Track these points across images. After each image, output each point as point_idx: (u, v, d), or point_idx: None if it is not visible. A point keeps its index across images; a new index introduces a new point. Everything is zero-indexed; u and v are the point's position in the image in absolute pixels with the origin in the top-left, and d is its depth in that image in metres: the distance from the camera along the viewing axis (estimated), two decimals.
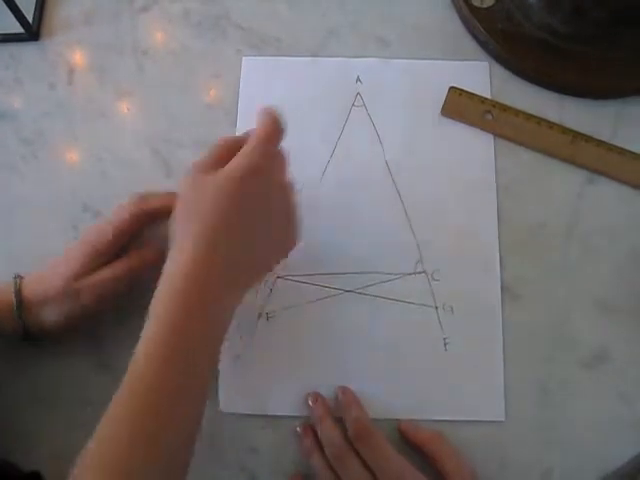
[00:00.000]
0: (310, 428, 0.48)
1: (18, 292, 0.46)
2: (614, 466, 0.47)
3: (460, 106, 0.56)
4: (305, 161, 0.55)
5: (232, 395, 0.49)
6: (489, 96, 0.56)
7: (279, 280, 0.52)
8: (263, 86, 0.58)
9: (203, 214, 0.40)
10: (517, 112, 0.55)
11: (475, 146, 0.55)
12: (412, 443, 0.47)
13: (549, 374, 0.49)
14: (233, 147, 0.43)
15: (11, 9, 0.56)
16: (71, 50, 0.60)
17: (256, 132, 0.43)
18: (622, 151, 0.54)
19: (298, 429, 0.48)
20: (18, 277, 0.47)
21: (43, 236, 0.53)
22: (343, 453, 0.45)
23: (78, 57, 0.60)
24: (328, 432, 0.47)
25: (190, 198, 0.41)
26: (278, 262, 0.46)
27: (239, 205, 0.41)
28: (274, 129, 0.43)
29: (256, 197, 0.41)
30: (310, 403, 0.49)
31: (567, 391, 0.49)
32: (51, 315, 0.46)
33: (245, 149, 0.42)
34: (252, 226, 0.42)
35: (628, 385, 0.49)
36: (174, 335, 0.37)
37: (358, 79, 0.57)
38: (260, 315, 0.51)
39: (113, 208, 0.51)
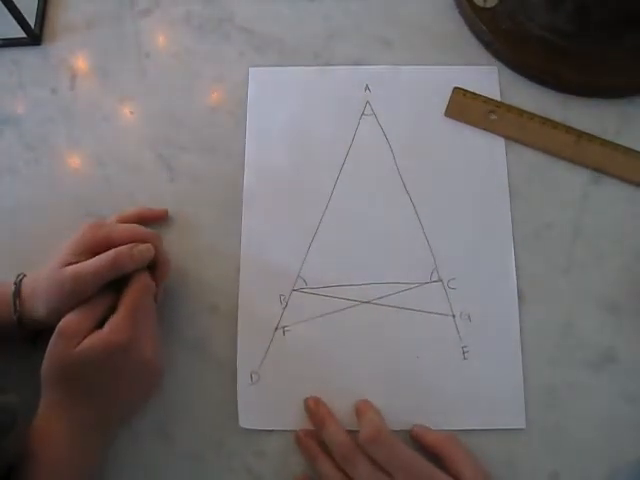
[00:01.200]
0: (311, 432, 0.48)
1: (18, 285, 0.47)
2: (621, 467, 0.47)
3: (464, 107, 0.56)
4: (316, 172, 0.55)
5: (251, 412, 0.49)
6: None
7: (294, 293, 0.52)
8: (271, 98, 0.57)
9: (56, 383, 0.45)
10: (521, 112, 0.55)
11: (487, 150, 0.55)
12: (424, 446, 0.47)
13: (555, 375, 0.49)
14: (102, 307, 0.46)
15: (13, 14, 0.56)
16: (73, 54, 0.60)
17: (125, 302, 0.46)
18: (627, 150, 0.54)
19: (299, 434, 0.48)
20: (22, 274, 0.48)
21: (46, 241, 0.53)
22: (352, 453, 0.45)
23: (80, 61, 0.60)
24: (334, 433, 0.46)
25: (53, 364, 0.45)
26: (139, 407, 0.49)
27: (86, 377, 0.44)
28: (142, 296, 0.46)
29: (108, 370, 0.45)
30: (310, 406, 0.49)
31: (573, 392, 0.49)
32: (40, 304, 0.46)
33: (113, 321, 0.45)
34: (101, 390, 0.45)
35: (636, 386, 0.49)
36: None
37: (367, 87, 0.57)
38: (276, 329, 0.51)
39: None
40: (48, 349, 0.44)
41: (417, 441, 0.48)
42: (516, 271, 0.51)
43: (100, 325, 0.45)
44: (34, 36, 0.59)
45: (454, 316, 0.51)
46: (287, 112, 0.57)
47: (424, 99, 0.57)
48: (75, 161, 0.56)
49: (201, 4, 0.61)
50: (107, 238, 0.47)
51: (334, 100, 0.57)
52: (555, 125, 0.55)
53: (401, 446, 0.45)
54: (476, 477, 0.44)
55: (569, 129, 0.54)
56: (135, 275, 0.47)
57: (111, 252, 0.45)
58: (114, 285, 0.46)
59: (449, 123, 0.56)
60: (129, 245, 0.46)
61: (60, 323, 0.44)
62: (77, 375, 0.44)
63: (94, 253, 0.46)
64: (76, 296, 0.45)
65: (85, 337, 0.44)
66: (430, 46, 0.58)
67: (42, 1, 0.61)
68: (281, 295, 0.52)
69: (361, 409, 0.48)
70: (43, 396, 0.45)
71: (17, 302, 0.47)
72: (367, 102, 0.56)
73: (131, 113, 0.58)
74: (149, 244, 0.47)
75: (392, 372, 0.50)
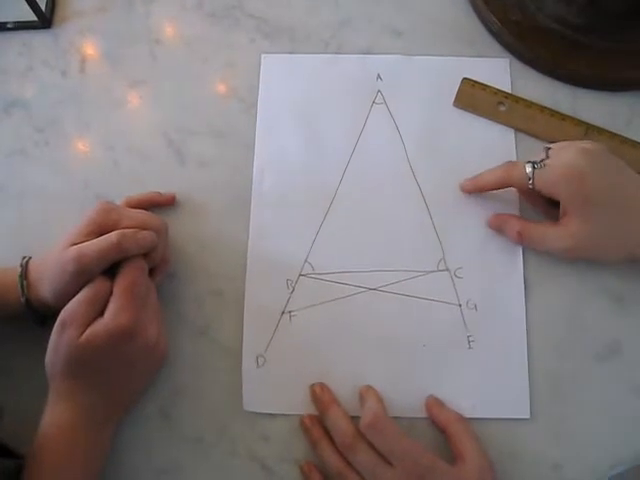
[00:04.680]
0: (316, 418, 0.48)
1: (24, 268, 0.47)
2: (626, 459, 0.47)
3: (473, 97, 0.56)
4: (326, 159, 0.55)
5: (255, 395, 0.49)
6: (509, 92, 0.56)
7: (302, 278, 0.52)
8: (283, 84, 0.57)
9: (63, 374, 0.45)
10: (530, 104, 0.55)
11: (496, 141, 0.55)
12: (434, 421, 0.48)
13: (560, 366, 0.49)
14: (102, 294, 0.45)
15: None
16: (83, 38, 0.60)
17: (121, 286, 0.45)
18: (635, 143, 0.54)
19: (304, 420, 0.48)
20: (27, 257, 0.48)
21: (55, 224, 0.53)
22: (353, 440, 0.45)
23: (90, 45, 0.60)
24: (336, 420, 0.47)
25: (58, 355, 0.44)
26: (144, 390, 0.49)
27: (93, 366, 0.44)
28: (137, 279, 0.46)
29: (114, 356, 0.45)
30: (316, 392, 0.49)
31: (578, 383, 0.49)
32: (46, 286, 0.46)
33: (112, 307, 0.44)
34: (108, 376, 0.46)
35: None
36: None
37: (378, 76, 0.57)
38: (282, 313, 0.51)
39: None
40: (52, 340, 0.44)
41: (429, 414, 0.48)
42: (523, 261, 0.51)
43: (102, 311, 0.45)
44: (45, 19, 0.59)
45: (460, 305, 0.51)
46: (298, 99, 0.57)
47: (436, 89, 0.57)
48: (84, 144, 0.57)
49: None
50: (118, 223, 0.47)
51: (345, 88, 0.57)
52: (564, 117, 0.55)
53: (400, 434, 0.45)
54: (480, 462, 0.44)
55: (578, 121, 0.55)
56: (128, 258, 0.46)
57: (114, 234, 0.45)
58: (110, 271, 0.46)
59: (459, 113, 0.56)
60: (132, 230, 0.46)
61: (62, 314, 0.44)
62: (84, 364, 0.44)
63: (101, 236, 0.46)
64: (80, 277, 0.45)
65: (88, 326, 0.44)
66: (440, 37, 0.58)
67: None
68: (288, 280, 0.52)
69: (363, 395, 0.48)
70: (51, 386, 0.45)
71: (24, 284, 0.47)
72: (378, 91, 0.57)
73: (141, 98, 0.58)
74: (151, 231, 0.47)
75: (397, 359, 0.50)
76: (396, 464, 0.44)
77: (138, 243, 0.46)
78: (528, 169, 0.48)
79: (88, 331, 0.43)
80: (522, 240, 0.50)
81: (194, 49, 0.59)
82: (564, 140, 0.53)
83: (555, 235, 0.48)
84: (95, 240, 0.45)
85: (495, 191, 0.52)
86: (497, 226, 0.52)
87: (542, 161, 0.48)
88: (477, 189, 0.52)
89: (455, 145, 0.55)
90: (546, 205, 0.50)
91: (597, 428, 0.48)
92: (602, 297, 0.51)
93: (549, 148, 0.48)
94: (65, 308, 0.44)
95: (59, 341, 0.44)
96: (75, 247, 0.45)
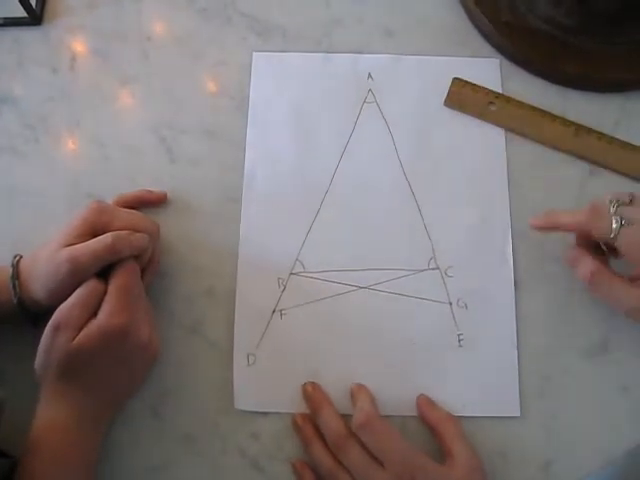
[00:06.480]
0: (308, 417, 0.48)
1: (16, 267, 0.47)
2: (614, 456, 0.48)
3: (463, 97, 0.56)
4: (317, 158, 0.55)
5: (246, 393, 0.49)
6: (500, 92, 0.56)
7: (292, 277, 0.52)
8: (274, 83, 0.57)
9: (56, 376, 0.44)
10: (520, 104, 0.56)
11: (486, 141, 0.55)
12: (425, 420, 0.48)
13: (550, 364, 0.50)
14: (96, 295, 0.45)
15: None
16: (74, 35, 0.59)
17: (114, 286, 0.45)
18: (623, 144, 0.54)
19: (296, 419, 0.48)
20: (18, 256, 0.48)
21: (45, 221, 0.53)
22: (344, 440, 0.45)
23: (81, 42, 0.59)
24: (328, 420, 0.47)
25: (51, 358, 0.44)
26: (137, 389, 0.49)
27: (86, 367, 0.44)
28: (131, 280, 0.46)
29: (107, 356, 0.44)
30: (308, 391, 0.49)
31: (568, 381, 0.49)
32: (38, 286, 0.46)
33: (106, 307, 0.44)
34: (101, 377, 0.45)
35: (630, 375, 0.49)
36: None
37: (369, 76, 0.57)
38: (273, 312, 0.51)
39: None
40: (43, 343, 0.44)
41: (419, 412, 0.48)
42: (513, 260, 0.52)
43: (95, 313, 0.44)
44: (35, 16, 0.59)
45: (451, 304, 0.51)
46: (289, 97, 0.57)
47: (427, 89, 0.57)
48: (75, 142, 0.56)
49: None
50: (109, 224, 0.47)
51: (337, 87, 0.57)
52: (554, 117, 0.55)
53: (392, 434, 0.45)
54: (470, 461, 0.44)
55: (568, 122, 0.55)
56: (121, 260, 0.46)
57: (108, 236, 0.45)
58: (102, 272, 0.46)
59: (450, 113, 0.56)
60: (126, 232, 0.46)
61: (55, 316, 0.44)
62: (77, 367, 0.44)
63: (94, 237, 0.46)
64: (74, 278, 0.44)
65: (82, 328, 0.43)
66: (431, 37, 0.59)
67: None
68: (279, 278, 0.52)
69: (355, 394, 0.48)
70: (42, 388, 0.44)
71: (16, 284, 0.46)
72: (369, 90, 0.57)
73: (132, 95, 0.57)
74: (144, 234, 0.47)
75: (388, 357, 0.50)
76: (387, 465, 0.44)
77: (132, 245, 0.46)
78: (614, 224, 0.45)
79: (81, 334, 0.43)
80: (592, 281, 0.47)
81: (185, 46, 0.59)
82: (554, 140, 0.54)
83: (626, 292, 0.46)
84: (89, 242, 0.45)
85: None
86: (573, 260, 0.48)
87: (628, 215, 0.45)
88: (550, 226, 0.49)
89: (446, 145, 0.55)
90: (596, 251, 0.48)
91: (587, 425, 0.48)
92: (592, 296, 0.51)
93: (633, 196, 0.46)
94: (58, 310, 0.44)
95: (52, 344, 0.44)
96: (69, 248, 0.45)
